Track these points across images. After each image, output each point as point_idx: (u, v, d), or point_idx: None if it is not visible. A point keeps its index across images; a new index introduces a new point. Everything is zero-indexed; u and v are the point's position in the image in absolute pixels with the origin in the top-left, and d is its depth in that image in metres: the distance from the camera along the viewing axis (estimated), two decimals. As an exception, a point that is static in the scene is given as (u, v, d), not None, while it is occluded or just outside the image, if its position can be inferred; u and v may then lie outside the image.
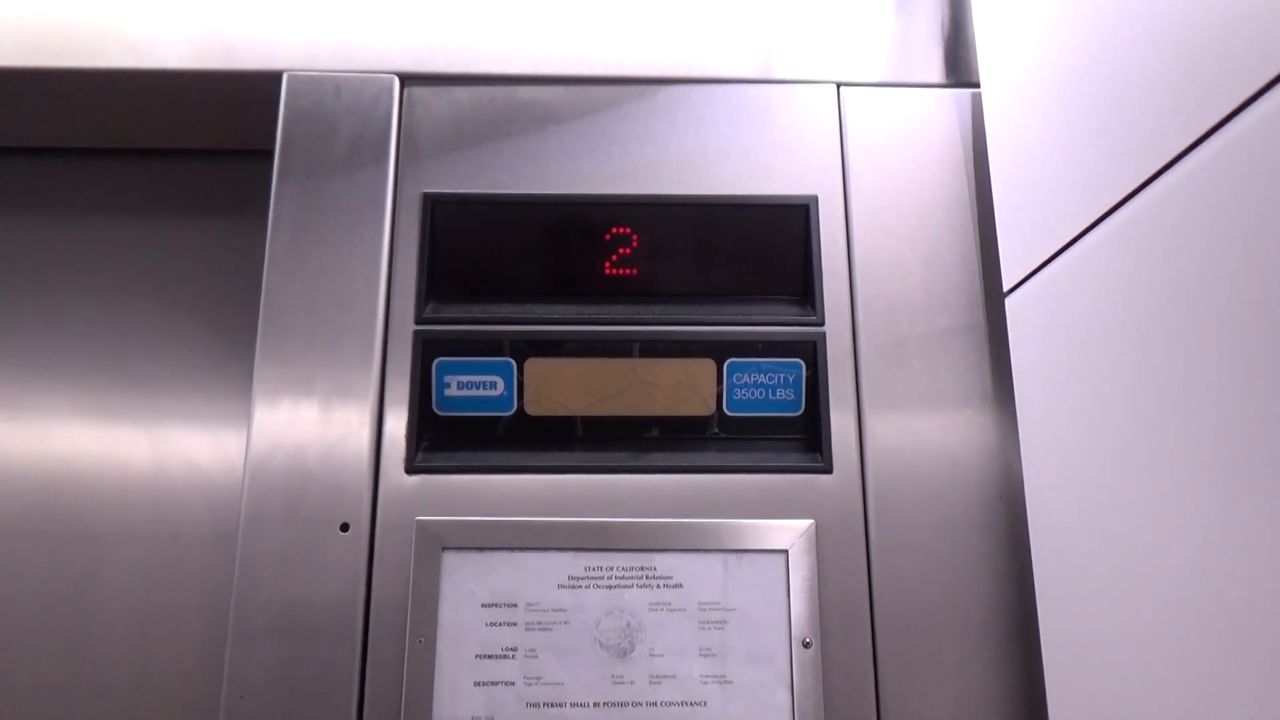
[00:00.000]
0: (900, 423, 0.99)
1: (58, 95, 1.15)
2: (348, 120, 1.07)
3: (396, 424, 0.99)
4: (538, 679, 0.91)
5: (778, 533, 0.95)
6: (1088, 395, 0.80)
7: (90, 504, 1.18)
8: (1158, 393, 0.70)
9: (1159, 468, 0.70)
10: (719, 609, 0.94)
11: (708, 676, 0.92)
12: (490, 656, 0.92)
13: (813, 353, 1.01)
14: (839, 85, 1.10)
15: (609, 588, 0.94)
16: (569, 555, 0.95)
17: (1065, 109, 0.85)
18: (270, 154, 1.07)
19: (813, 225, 1.05)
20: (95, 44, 1.10)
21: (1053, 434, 0.87)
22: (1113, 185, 0.76)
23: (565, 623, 0.93)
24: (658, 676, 0.92)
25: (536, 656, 0.92)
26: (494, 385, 1.01)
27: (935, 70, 1.11)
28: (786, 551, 0.95)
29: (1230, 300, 0.62)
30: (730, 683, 0.92)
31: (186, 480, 1.19)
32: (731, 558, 0.95)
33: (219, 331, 1.24)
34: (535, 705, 0.91)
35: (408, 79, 1.10)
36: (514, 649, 0.92)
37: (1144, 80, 0.72)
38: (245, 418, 0.99)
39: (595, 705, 0.91)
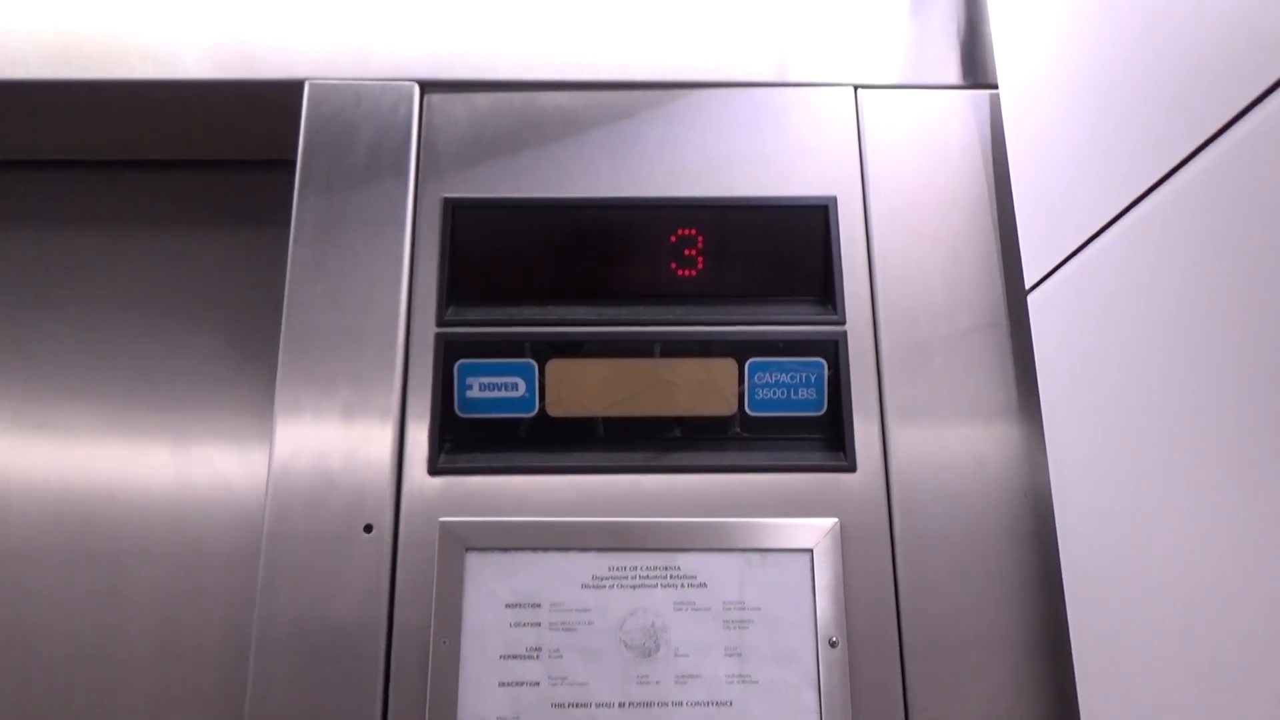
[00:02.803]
0: (923, 421, 0.99)
1: (80, 107, 1.17)
2: (368, 127, 1.08)
3: (419, 426, 0.99)
4: (563, 679, 0.91)
5: (802, 532, 0.95)
6: (1112, 390, 0.80)
7: (113, 518, 1.18)
8: (1183, 387, 0.69)
9: (1186, 464, 0.69)
10: (744, 608, 0.93)
11: (733, 676, 0.91)
12: (515, 657, 0.91)
13: (834, 352, 1.01)
14: (856, 87, 1.11)
15: (633, 587, 0.94)
16: (592, 555, 0.94)
17: (1084, 106, 0.85)
18: (291, 163, 1.07)
19: (832, 226, 1.05)
20: (117, 55, 1.11)
21: (1077, 430, 0.86)
22: (1132, 180, 0.76)
23: (589, 623, 0.92)
24: (683, 676, 0.91)
25: (561, 657, 0.92)
26: (515, 387, 1.01)
27: (952, 72, 1.12)
28: (811, 550, 0.94)
29: (1253, 293, 0.61)
30: (756, 682, 0.91)
31: (210, 491, 1.19)
32: (755, 557, 0.94)
33: (241, 342, 1.25)
34: (560, 706, 0.90)
35: (427, 86, 1.11)
36: (538, 649, 0.92)
37: (1161, 76, 0.72)
38: (267, 429, 0.99)
39: (620, 705, 0.90)
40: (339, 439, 0.97)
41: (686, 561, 0.94)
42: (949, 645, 0.93)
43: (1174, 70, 0.71)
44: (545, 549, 0.94)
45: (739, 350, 1.02)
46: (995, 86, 1.09)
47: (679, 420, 1.01)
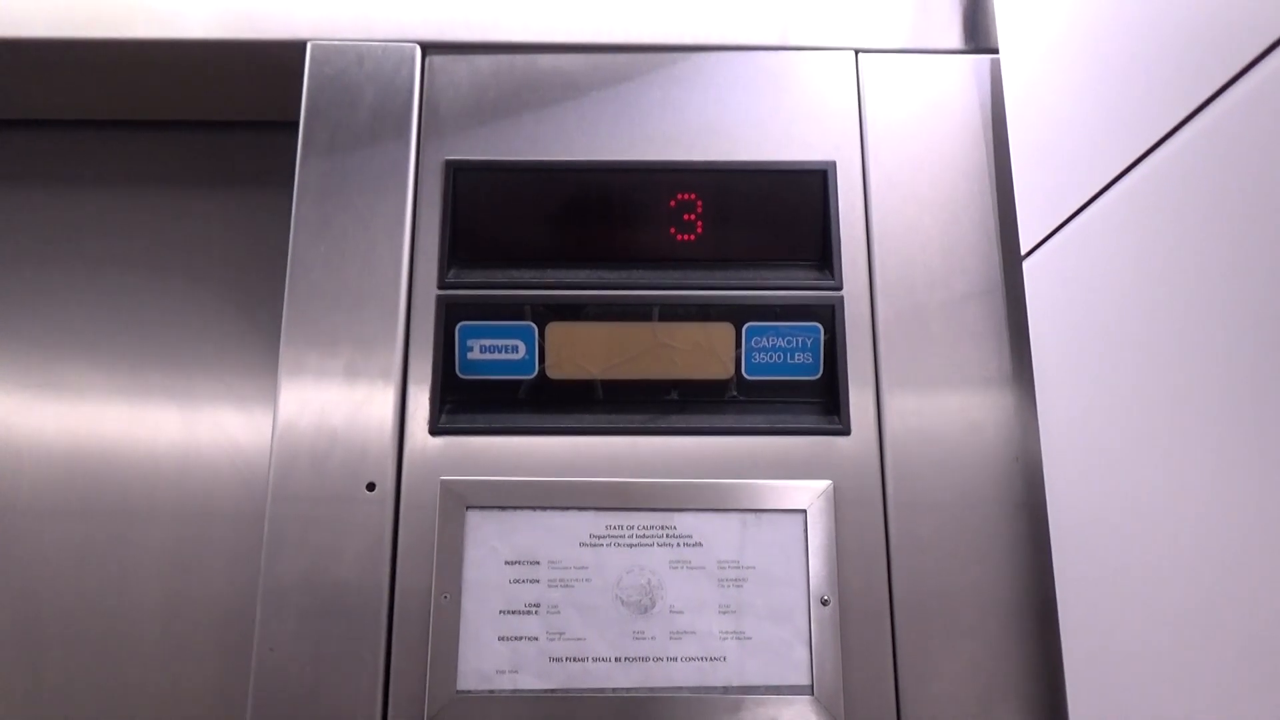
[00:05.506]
0: (918, 386, 1.00)
1: (84, 66, 1.17)
2: (371, 89, 1.08)
3: (420, 387, 1.01)
4: (560, 634, 0.93)
5: (796, 493, 0.97)
6: (1102, 356, 0.81)
7: (120, 477, 1.20)
8: (1174, 353, 0.70)
9: (1175, 431, 0.70)
10: (738, 567, 0.95)
11: (727, 633, 0.94)
12: (514, 612, 0.94)
13: (831, 317, 1.02)
14: (857, 52, 1.11)
15: (630, 546, 0.96)
16: (590, 514, 0.96)
17: (1085, 68, 0.85)
18: (293, 125, 1.08)
19: (830, 191, 1.05)
20: (121, 14, 1.11)
21: (1068, 396, 0.88)
22: (1126, 146, 0.76)
23: (587, 580, 0.95)
24: (678, 632, 0.94)
25: (559, 613, 0.94)
26: (516, 349, 1.02)
27: (954, 36, 1.11)
28: (805, 511, 0.96)
29: (1247, 258, 0.62)
30: (749, 639, 0.93)
31: (216, 450, 1.21)
32: (750, 517, 0.96)
33: (245, 302, 1.26)
34: (558, 660, 0.93)
35: (429, 47, 1.11)
36: (537, 605, 0.94)
37: (1159, 40, 0.72)
38: (272, 389, 1.00)
39: (617, 660, 0.93)
40: (342, 399, 0.99)
41: (683, 521, 0.96)
42: (938, 605, 0.95)
43: (1171, 35, 0.71)
44: (544, 508, 0.96)
45: (737, 314, 1.03)
46: (996, 51, 1.09)
47: (677, 383, 1.03)
